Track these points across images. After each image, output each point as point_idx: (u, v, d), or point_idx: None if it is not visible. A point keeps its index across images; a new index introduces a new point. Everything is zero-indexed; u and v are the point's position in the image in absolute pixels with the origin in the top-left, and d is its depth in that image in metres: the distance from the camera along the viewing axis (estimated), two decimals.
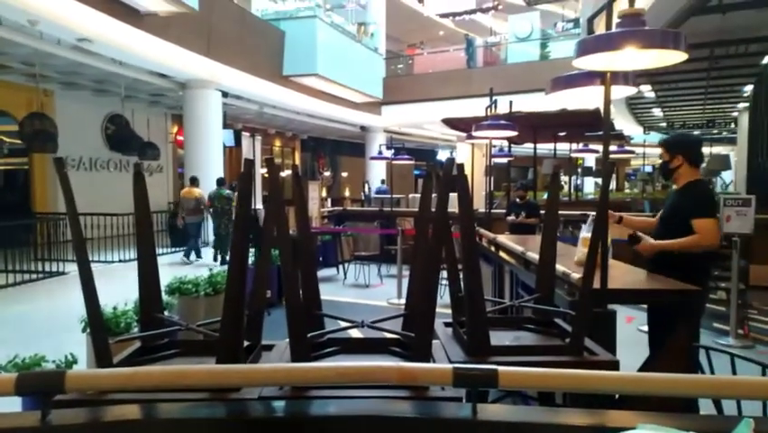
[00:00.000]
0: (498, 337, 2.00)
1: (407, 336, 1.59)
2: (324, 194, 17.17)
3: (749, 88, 11.14)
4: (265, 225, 1.72)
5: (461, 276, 1.82)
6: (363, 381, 1.13)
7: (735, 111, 14.48)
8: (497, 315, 2.41)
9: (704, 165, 16.10)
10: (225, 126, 13.12)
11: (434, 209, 1.59)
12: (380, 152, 13.10)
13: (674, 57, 2.25)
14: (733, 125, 16.10)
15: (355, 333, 2.12)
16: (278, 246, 1.50)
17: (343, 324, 1.72)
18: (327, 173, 23.15)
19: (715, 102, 13.93)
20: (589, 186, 20.97)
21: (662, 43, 2.20)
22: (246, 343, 1.55)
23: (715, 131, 18.71)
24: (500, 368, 1.07)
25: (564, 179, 19.10)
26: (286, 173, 15.61)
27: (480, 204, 9.90)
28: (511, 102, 7.77)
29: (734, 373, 1.75)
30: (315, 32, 13.22)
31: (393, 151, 13.19)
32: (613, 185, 21.20)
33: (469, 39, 18.09)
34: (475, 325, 1.74)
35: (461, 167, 1.72)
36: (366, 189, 16.41)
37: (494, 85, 9.96)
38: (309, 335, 1.52)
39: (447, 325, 2.11)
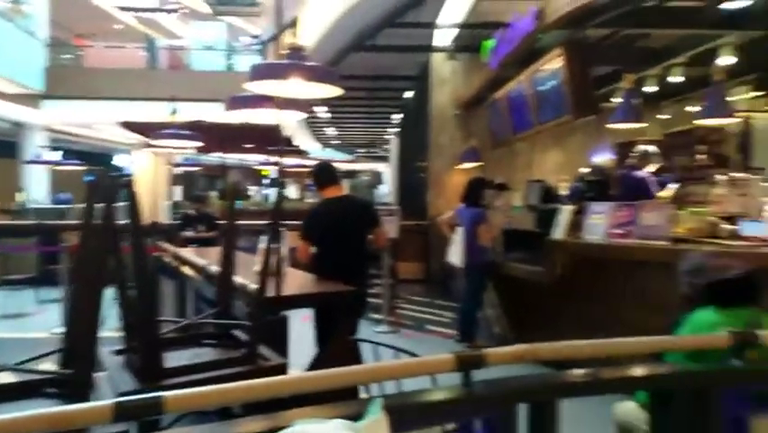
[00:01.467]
0: (177, 358, 1.97)
1: (63, 374, 1.43)
2: None
3: (397, 116, 13.55)
4: None
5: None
6: None
7: (388, 135, 17.36)
8: (177, 333, 2.36)
9: (366, 178, 18.83)
10: None
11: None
12: (40, 155, 11.15)
13: (332, 91, 2.63)
14: (388, 146, 19.24)
15: (4, 377, 1.79)
16: None
17: None
18: None
19: (374, 126, 16.47)
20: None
21: (320, 78, 2.53)
22: None
23: (376, 150, 22.06)
24: (167, 394, 1.07)
25: (253, 189, 19.66)
26: None
27: (163, 215, 9.38)
28: (196, 111, 7.65)
29: (379, 358, 2.13)
30: None
31: (60, 153, 11.38)
32: (297, 194, 22.80)
33: (150, 38, 16.97)
34: (146, 348, 1.68)
35: (131, 174, 1.65)
36: (24, 198, 13.67)
37: (179, 90, 9.58)
38: None
39: (118, 352, 1.98)
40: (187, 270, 4.03)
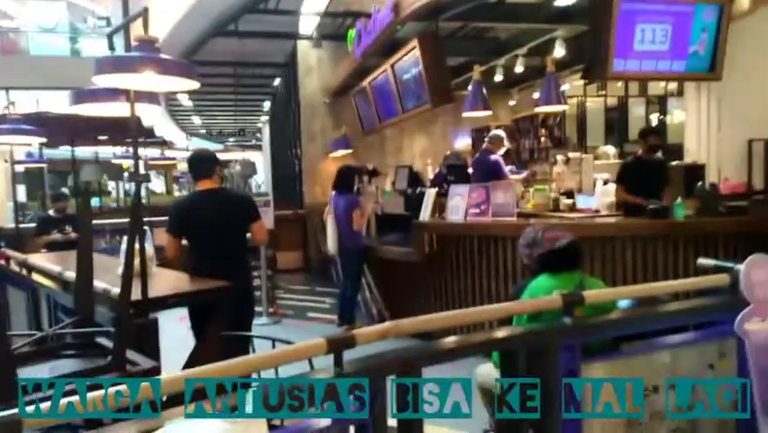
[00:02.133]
0: (33, 373, 1.86)
1: None
2: None
3: (268, 104, 13.28)
4: None
5: None
6: None
7: (259, 123, 16.94)
8: (32, 347, 2.20)
9: (239, 168, 18.27)
10: None
11: None
12: None
13: (188, 84, 2.54)
14: (260, 135, 18.79)
15: None
16: None
17: None
18: None
19: (243, 114, 15.97)
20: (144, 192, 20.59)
21: (174, 71, 2.43)
22: None
23: (248, 139, 21.41)
24: (25, 410, 1.04)
25: (112, 184, 18.14)
26: None
27: (5, 219, 8.39)
28: (39, 100, 6.91)
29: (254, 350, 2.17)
30: None
31: None
32: (162, 188, 21.50)
33: None
34: None
35: None
36: None
37: (16, 78, 8.56)
38: None
39: None
40: (39, 277, 3.69)
